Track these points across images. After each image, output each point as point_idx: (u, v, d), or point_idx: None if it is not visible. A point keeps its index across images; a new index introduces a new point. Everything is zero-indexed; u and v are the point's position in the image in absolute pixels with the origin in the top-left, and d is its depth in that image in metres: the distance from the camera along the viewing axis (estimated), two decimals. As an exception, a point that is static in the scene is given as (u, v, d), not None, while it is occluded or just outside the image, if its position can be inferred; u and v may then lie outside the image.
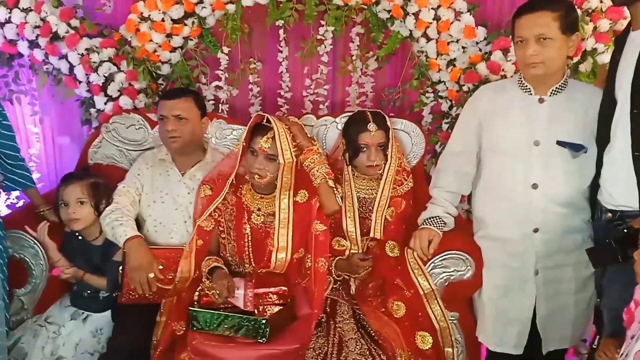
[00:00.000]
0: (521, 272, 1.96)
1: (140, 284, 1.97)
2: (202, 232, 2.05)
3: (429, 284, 2.00)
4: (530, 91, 1.92)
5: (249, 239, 2.05)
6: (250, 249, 2.05)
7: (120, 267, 2.00)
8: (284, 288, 1.98)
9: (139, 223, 2.18)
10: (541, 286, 1.95)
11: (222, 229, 2.09)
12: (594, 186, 1.84)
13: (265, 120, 2.01)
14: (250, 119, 2.06)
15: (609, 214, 1.76)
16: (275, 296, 1.97)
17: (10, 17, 2.49)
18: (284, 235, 2.00)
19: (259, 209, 2.07)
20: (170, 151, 2.24)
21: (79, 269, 2.08)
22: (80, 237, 2.14)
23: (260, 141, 1.96)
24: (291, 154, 1.97)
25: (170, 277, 2.03)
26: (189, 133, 2.17)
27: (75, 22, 2.52)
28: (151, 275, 1.98)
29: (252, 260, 2.06)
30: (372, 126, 2.11)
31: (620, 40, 1.75)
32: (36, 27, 2.48)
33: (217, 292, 1.88)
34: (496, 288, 2.01)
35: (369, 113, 2.17)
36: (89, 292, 2.11)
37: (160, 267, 2.02)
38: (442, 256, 2.03)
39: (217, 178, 2.11)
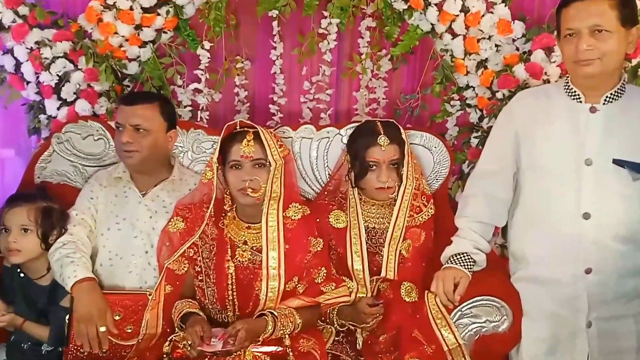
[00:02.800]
0: (570, 323, 1.93)
1: (88, 339, 1.94)
2: (173, 277, 2.04)
3: (455, 337, 1.97)
4: (579, 98, 1.92)
5: (233, 280, 2.04)
6: (235, 293, 2.04)
7: (68, 316, 1.97)
8: (277, 349, 1.95)
9: (92, 256, 2.17)
10: (595, 341, 1.92)
11: (199, 269, 2.08)
12: (661, 217, 1.83)
13: (238, 127, 2.05)
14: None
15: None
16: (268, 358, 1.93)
17: (-59, 3, 2.51)
18: (274, 258, 1.99)
19: (245, 243, 2.07)
20: (127, 167, 2.25)
21: (19, 314, 2.05)
22: (22, 275, 2.12)
23: (241, 147, 1.99)
24: (279, 154, 2.02)
25: (130, 330, 2.00)
26: (149, 147, 2.17)
27: (23, 10, 2.51)
28: (102, 329, 1.96)
29: (236, 306, 2.05)
30: (382, 139, 2.11)
31: None
32: (-25, 15, 2.50)
33: (189, 342, 1.85)
34: (539, 343, 1.98)
35: (379, 123, 2.18)
36: (29, 343, 2.08)
37: (117, 317, 2.00)
38: (471, 303, 2.00)
39: (189, 209, 2.12)
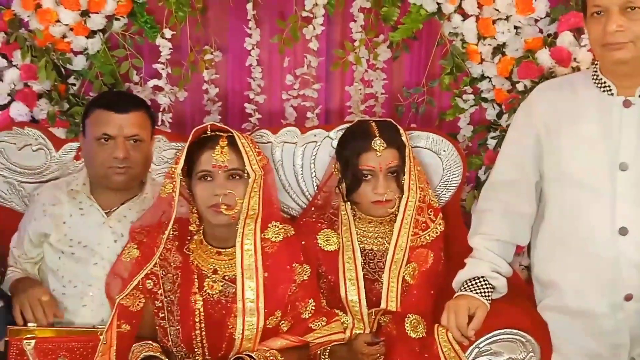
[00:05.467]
0: (610, 360, 1.94)
1: (30, 307, 2.04)
2: (127, 314, 2.04)
3: (472, 379, 1.98)
4: (610, 90, 1.93)
5: (201, 317, 2.04)
6: (204, 332, 2.04)
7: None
8: None
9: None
10: (640, 382, 1.94)
11: (160, 304, 2.08)
12: None
13: (209, 131, 2.05)
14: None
15: None
16: None
17: None
18: (252, 289, 1.99)
19: (214, 272, 2.07)
20: (100, 183, 2.25)
21: None
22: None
23: (214, 155, 1.98)
24: (258, 164, 2.02)
25: (77, 378, 2.02)
26: (142, 161, 2.25)
27: (-54, -4, 2.55)
28: (45, 297, 2.08)
29: (205, 348, 2.05)
30: (378, 143, 2.12)
31: None
32: None
33: None
34: (572, 385, 2.00)
35: (373, 124, 2.19)
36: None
37: None
38: (490, 338, 1.99)
39: (146, 232, 2.12)
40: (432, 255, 2.21)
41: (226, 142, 2.01)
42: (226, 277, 2.06)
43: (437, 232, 2.24)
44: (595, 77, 1.96)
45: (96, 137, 2.20)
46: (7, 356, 1.99)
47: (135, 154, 2.20)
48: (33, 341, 1.99)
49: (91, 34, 2.54)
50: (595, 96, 1.95)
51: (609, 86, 1.93)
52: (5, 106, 2.56)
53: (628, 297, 1.90)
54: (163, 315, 2.07)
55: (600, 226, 1.90)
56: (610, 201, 1.89)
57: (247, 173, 2.00)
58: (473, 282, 2.03)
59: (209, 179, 2.00)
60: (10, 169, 2.47)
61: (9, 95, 2.56)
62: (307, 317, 2.07)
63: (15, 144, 2.47)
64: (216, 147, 1.99)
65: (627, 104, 1.91)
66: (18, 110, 2.55)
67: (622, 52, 1.83)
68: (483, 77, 2.55)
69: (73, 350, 2.03)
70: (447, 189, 2.44)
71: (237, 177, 2.01)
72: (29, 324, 2.04)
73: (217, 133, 2.04)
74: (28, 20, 2.54)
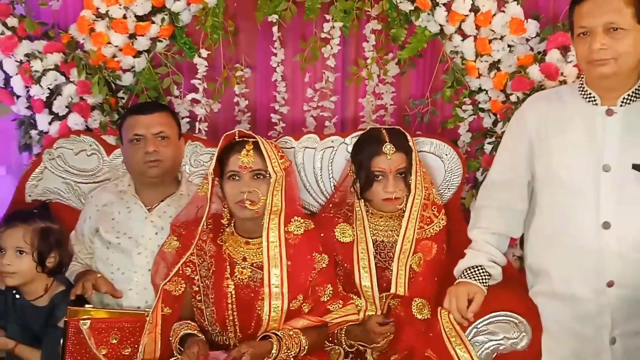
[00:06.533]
0: (593, 341, 1.92)
1: (82, 284, 2.09)
2: (170, 299, 2.05)
3: (471, 356, 1.95)
4: (595, 100, 1.91)
5: (233, 299, 2.04)
6: (235, 313, 2.04)
7: (62, 339, 1.98)
8: None
9: None
10: (620, 359, 1.90)
11: (197, 289, 2.09)
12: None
13: (237, 137, 2.07)
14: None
15: None
16: None
17: None
18: (276, 275, 2.00)
19: (244, 259, 2.07)
20: (140, 181, 2.29)
21: (12, 337, 2.07)
22: (18, 296, 2.13)
23: (240, 157, 2.00)
24: (280, 166, 2.03)
25: (127, 352, 2.02)
26: (171, 156, 2.25)
27: (12, 21, 2.56)
28: (99, 274, 2.15)
29: (237, 327, 2.05)
30: (388, 147, 2.12)
31: None
32: (-39, 27, 2.55)
33: None
34: (560, 362, 1.98)
35: (384, 131, 2.19)
36: (20, 368, 2.10)
37: (114, 340, 2.02)
38: (487, 319, 1.99)
39: (185, 226, 2.14)
40: (435, 246, 2.20)
41: (251, 147, 2.02)
42: (254, 264, 2.06)
43: (440, 226, 2.23)
44: (581, 89, 1.95)
45: (130, 139, 2.23)
46: (66, 334, 1.99)
47: (163, 149, 2.21)
48: (88, 322, 2.00)
49: (138, 54, 2.55)
50: (581, 106, 1.93)
51: (594, 97, 1.91)
52: (64, 117, 2.58)
53: (610, 284, 1.88)
54: (200, 298, 2.08)
55: (585, 221, 1.89)
56: (594, 198, 1.87)
57: (269, 174, 2.01)
58: (472, 270, 2.03)
59: (236, 178, 2.02)
60: (68, 171, 2.49)
61: (67, 107, 2.57)
62: (325, 300, 2.07)
63: (72, 149, 2.50)
64: (242, 151, 2.01)
65: (609, 112, 1.89)
66: (74, 121, 2.57)
67: (606, 67, 1.81)
68: (480, 89, 2.53)
69: (123, 329, 2.03)
70: (449, 189, 2.43)
71: (261, 177, 2.02)
72: (86, 306, 2.05)
73: (245, 139, 2.06)
74: (83, 42, 2.56)
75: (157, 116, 2.24)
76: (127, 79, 2.60)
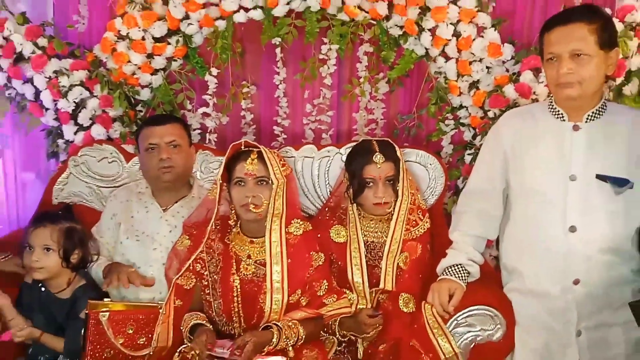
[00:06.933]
0: (561, 333, 1.91)
1: (117, 276, 2.08)
2: (181, 292, 2.05)
3: (452, 346, 1.95)
4: (563, 117, 1.91)
5: (238, 292, 2.04)
6: (240, 305, 2.04)
7: (83, 330, 1.98)
8: (281, 359, 1.93)
9: None
10: (585, 350, 1.90)
11: (206, 283, 2.08)
12: (644, 229, 1.82)
13: (243, 147, 2.07)
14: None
15: (662, 263, 1.73)
16: None
17: (-34, 36, 2.56)
18: (277, 272, 2.00)
19: (248, 257, 2.07)
20: (155, 185, 2.29)
21: (38, 327, 2.06)
22: (43, 289, 2.13)
23: (246, 165, 2.01)
24: (281, 173, 2.03)
25: (142, 342, 2.01)
26: (183, 162, 2.26)
27: (42, 42, 2.58)
28: (131, 269, 2.13)
29: (241, 318, 2.05)
30: (378, 157, 2.13)
31: None
32: (-2, 47, 2.56)
33: (197, 352, 1.86)
34: (531, 352, 1.96)
35: (375, 142, 2.19)
36: (46, 356, 2.08)
37: (130, 330, 2.01)
38: (466, 312, 1.98)
39: (196, 226, 2.13)
40: (420, 246, 2.19)
41: (256, 156, 2.02)
42: (257, 261, 2.06)
43: (424, 229, 2.22)
44: (551, 107, 1.94)
45: (145, 147, 2.24)
46: (87, 325, 1.99)
47: (175, 156, 2.22)
48: (107, 314, 1.99)
49: (155, 71, 2.57)
50: (551, 122, 1.93)
51: (562, 114, 1.91)
52: (88, 127, 2.59)
53: (576, 282, 1.88)
54: (208, 291, 2.08)
55: (554, 225, 1.88)
56: (562, 205, 1.87)
57: (272, 180, 2.01)
58: (453, 268, 2.01)
59: (242, 184, 2.02)
60: (91, 177, 2.51)
61: (90, 119, 2.59)
62: (321, 294, 2.07)
63: (95, 157, 2.51)
64: (248, 160, 2.01)
65: (576, 128, 1.89)
66: (97, 131, 2.58)
67: (572, 90, 1.81)
68: (461, 106, 2.53)
69: (138, 320, 2.03)
70: (433, 195, 2.43)
71: (264, 183, 2.02)
72: (105, 299, 2.05)
73: (250, 148, 2.06)
74: (106, 61, 2.57)
75: (169, 127, 2.25)
76: (145, 94, 2.61)
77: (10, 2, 2.63)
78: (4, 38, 2.55)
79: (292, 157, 2.48)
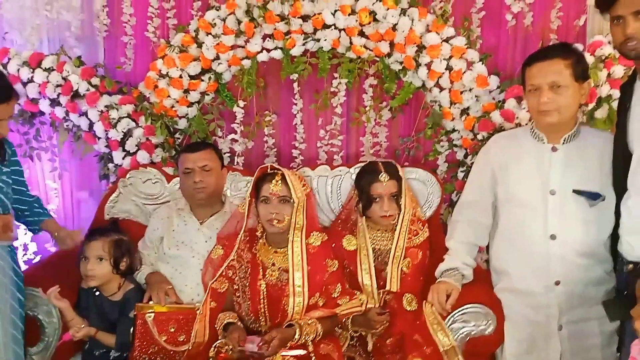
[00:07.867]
0: (544, 327, 1.92)
1: (156, 292, 2.08)
2: (216, 295, 2.07)
3: (449, 340, 1.95)
4: (543, 140, 1.93)
5: (264, 296, 2.05)
6: (266, 307, 2.06)
7: (132, 328, 2.01)
8: (302, 352, 1.94)
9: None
10: (566, 342, 1.90)
11: (237, 287, 2.10)
12: (615, 236, 1.81)
13: (269, 170, 2.08)
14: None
15: (630, 265, 1.72)
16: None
17: (32, 77, 2.60)
18: (299, 278, 2.01)
19: (273, 264, 2.08)
20: (192, 202, 2.31)
21: (93, 326, 2.09)
22: (97, 293, 2.16)
23: (271, 186, 2.02)
24: (302, 192, 2.03)
25: (182, 339, 2.03)
26: (214, 183, 2.26)
27: (95, 81, 2.62)
28: (169, 286, 2.12)
29: (267, 317, 2.06)
30: (383, 176, 2.13)
31: (626, 88, 1.77)
32: (58, 85, 2.59)
33: (230, 346, 1.88)
34: (519, 344, 1.96)
35: (380, 163, 2.20)
36: (101, 351, 2.11)
37: (172, 329, 2.03)
38: (461, 310, 1.99)
39: (227, 237, 2.15)
40: (421, 253, 2.19)
41: (280, 177, 2.03)
42: (281, 268, 2.07)
43: (423, 237, 2.22)
44: (532, 131, 1.96)
45: (182, 171, 2.27)
46: (135, 324, 2.02)
47: (207, 179, 2.24)
48: (152, 315, 2.02)
49: (190, 104, 2.58)
50: (533, 144, 1.95)
51: (542, 137, 1.93)
52: (134, 153, 2.61)
53: (557, 282, 1.89)
54: (239, 294, 2.09)
55: (537, 233, 1.89)
56: (543, 216, 1.88)
57: (293, 199, 2.02)
58: (449, 272, 2.03)
59: (267, 202, 2.03)
60: (137, 196, 2.53)
61: (136, 146, 2.61)
62: (336, 296, 2.07)
63: (140, 178, 2.53)
64: (272, 181, 2.02)
65: (554, 149, 1.91)
66: (142, 156, 2.60)
67: (550, 117, 1.83)
68: (454, 130, 2.52)
69: (179, 320, 2.05)
70: (430, 207, 2.43)
71: (286, 202, 2.02)
72: (150, 302, 2.07)
73: (275, 171, 2.07)
74: (149, 96, 2.59)
75: (202, 153, 2.27)
76: (182, 124, 2.63)
77: (68, 47, 2.69)
78: (63, 78, 2.59)
79: (308, 176, 2.49)
